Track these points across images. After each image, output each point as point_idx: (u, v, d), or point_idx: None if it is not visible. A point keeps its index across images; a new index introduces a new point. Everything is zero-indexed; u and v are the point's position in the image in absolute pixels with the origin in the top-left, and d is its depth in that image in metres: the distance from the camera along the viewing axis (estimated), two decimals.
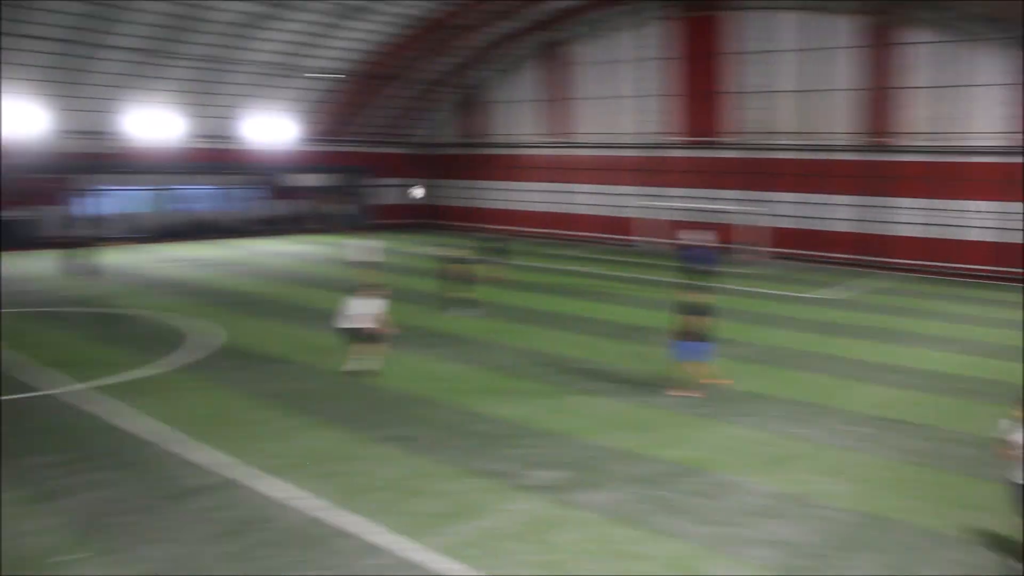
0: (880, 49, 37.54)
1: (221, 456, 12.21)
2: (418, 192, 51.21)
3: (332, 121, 51.96)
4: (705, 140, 43.94)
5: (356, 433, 13.38)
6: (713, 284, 25.48)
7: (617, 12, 45.86)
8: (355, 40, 45.81)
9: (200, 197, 48.94)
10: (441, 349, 19.66)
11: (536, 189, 52.28)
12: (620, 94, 47.31)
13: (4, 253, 36.65)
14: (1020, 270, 33.74)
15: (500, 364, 18.29)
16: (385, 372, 16.98)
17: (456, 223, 55.09)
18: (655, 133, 45.90)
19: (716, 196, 43.11)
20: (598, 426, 13.92)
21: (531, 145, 52.30)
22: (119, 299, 25.98)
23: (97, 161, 42.71)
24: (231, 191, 50.14)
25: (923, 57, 36.58)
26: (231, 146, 48.12)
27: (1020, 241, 34.36)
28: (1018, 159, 34.18)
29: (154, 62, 41.40)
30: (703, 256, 31.88)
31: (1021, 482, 9.00)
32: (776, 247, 40.24)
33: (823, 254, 39.55)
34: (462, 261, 24.35)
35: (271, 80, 46.56)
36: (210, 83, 44.63)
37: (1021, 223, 34.26)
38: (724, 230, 41.41)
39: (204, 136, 46.50)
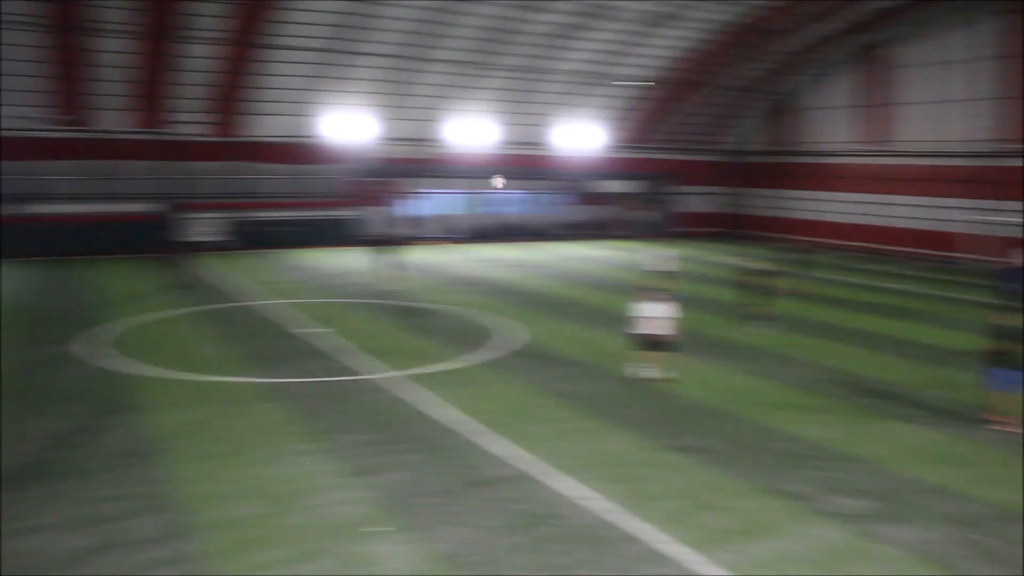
0: None
1: (518, 450, 12.68)
2: (499, 182, 48.88)
3: (638, 128, 52.44)
4: None
5: (648, 440, 13.35)
6: None
7: (946, 9, 42.23)
8: (664, 47, 45.92)
9: (510, 201, 51.36)
10: (737, 361, 19.15)
11: (847, 199, 49.49)
12: (948, 98, 43.54)
13: (331, 248, 40.75)
14: None
15: (799, 381, 17.47)
16: (678, 380, 16.84)
17: (760, 233, 53.53)
18: (989, 140, 41.75)
19: None
20: (907, 455, 12.85)
21: (844, 154, 49.61)
22: (432, 295, 27.90)
23: (418, 166, 46.19)
24: (539, 196, 52.13)
25: None
26: (540, 152, 50.06)
27: None
28: None
29: (472, 73, 44.06)
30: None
31: None
32: None
33: None
34: (763, 272, 23.58)
35: (580, 88, 47.87)
36: (522, 92, 46.72)
37: None
38: None
39: (515, 143, 48.76)
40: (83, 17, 34.34)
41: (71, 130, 38.21)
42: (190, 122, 40.67)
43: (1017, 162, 40.27)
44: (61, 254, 37.03)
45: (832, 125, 50.41)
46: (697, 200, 56.29)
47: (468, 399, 15.41)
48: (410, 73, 42.79)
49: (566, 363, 18.66)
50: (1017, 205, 39.95)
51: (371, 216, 44.75)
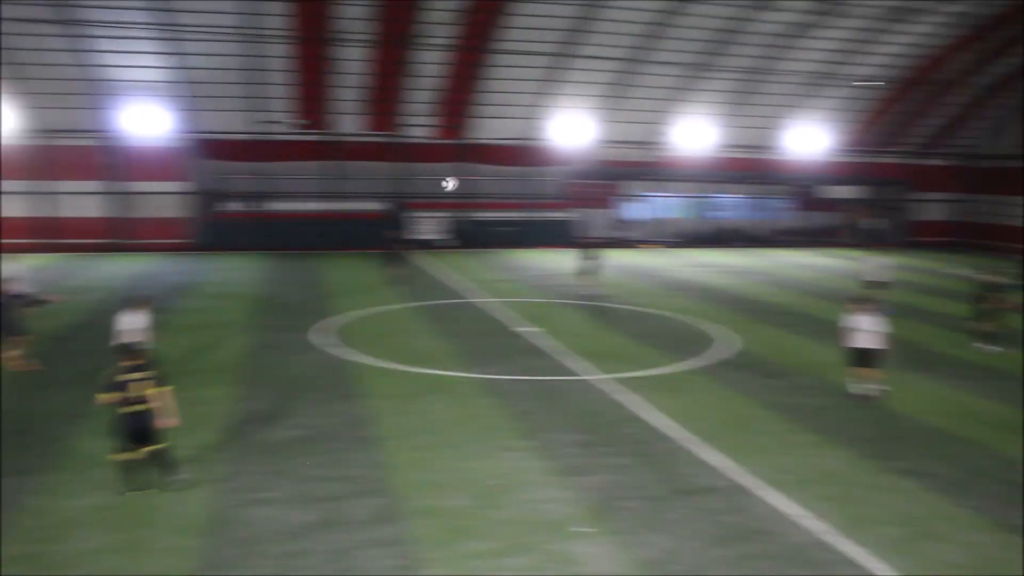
0: None
1: (730, 461, 12.39)
2: (449, 184, 44.53)
3: (871, 130, 49.74)
4: None
5: (868, 459, 12.65)
6: None
7: None
8: (904, 44, 43.30)
9: (731, 206, 50.18)
10: (967, 380, 17.73)
11: None
12: None
13: (549, 249, 41.41)
14: None
15: None
16: (898, 397, 15.85)
17: (999, 244, 49.27)
18: None
19: None
20: None
21: None
22: (647, 299, 27.75)
23: (638, 169, 46.07)
24: (761, 201, 50.61)
25: None
26: (764, 156, 48.57)
27: None
28: None
29: (697, 75, 43.37)
30: None
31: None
32: None
33: None
34: (997, 286, 21.68)
35: (810, 89, 46.01)
36: (748, 94, 45.50)
37: None
38: None
39: (738, 146, 47.56)
40: (326, 28, 36.83)
41: (310, 133, 41.14)
42: (419, 125, 42.64)
43: None
44: (297, 248, 40.04)
45: None
46: (932, 207, 52.67)
47: (680, 406, 15.24)
48: (634, 75, 42.78)
49: (781, 374, 18.03)
50: None
51: (590, 218, 45.11)
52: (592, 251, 28.81)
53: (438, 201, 43.53)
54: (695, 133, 45.60)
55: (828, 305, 26.93)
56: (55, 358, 17.97)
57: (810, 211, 50.92)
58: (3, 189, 38.28)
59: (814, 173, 49.26)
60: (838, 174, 50.14)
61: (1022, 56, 44.73)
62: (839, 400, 15.94)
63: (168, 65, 36.82)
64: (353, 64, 38.80)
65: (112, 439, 10.97)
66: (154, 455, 11.01)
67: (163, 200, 39.92)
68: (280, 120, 40.10)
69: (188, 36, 35.01)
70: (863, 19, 40.77)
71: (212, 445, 12.79)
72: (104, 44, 35.32)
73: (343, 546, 9.55)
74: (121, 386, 10.75)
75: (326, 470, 11.81)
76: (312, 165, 41.71)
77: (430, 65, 39.95)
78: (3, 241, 37.06)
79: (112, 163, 39.16)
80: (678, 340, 21.26)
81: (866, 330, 15.72)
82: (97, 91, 37.25)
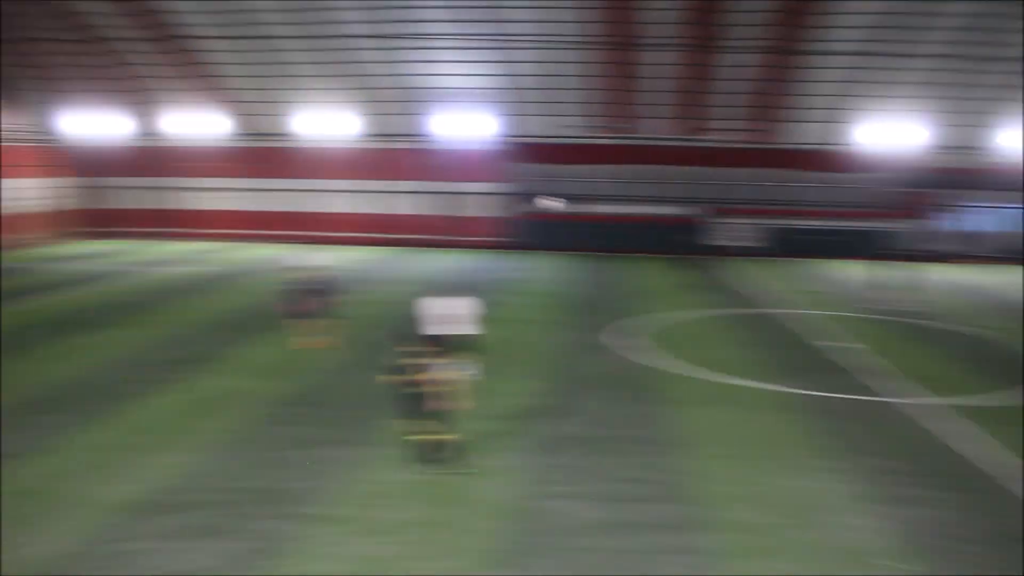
0: None
1: None
2: (550, 204, 40.73)
3: None
4: None
5: None
6: None
7: None
8: None
9: None
10: None
11: None
12: None
13: (865, 260, 38.90)
14: None
15: None
16: None
17: None
18: None
19: None
20: None
21: None
22: (976, 320, 25.34)
23: (967, 176, 42.12)
24: None
25: None
26: None
27: None
28: None
29: None
30: None
31: None
32: None
33: None
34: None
35: None
36: None
37: None
38: None
39: None
40: (634, 34, 37.26)
41: (619, 137, 41.82)
42: (728, 130, 41.92)
43: None
44: (602, 250, 40.99)
45: None
46: None
47: (1008, 439, 13.83)
48: (961, 74, 39.12)
49: None
50: None
51: (913, 229, 41.99)
52: (911, 264, 26.84)
53: (748, 207, 42.53)
54: None
55: None
56: (368, 342, 19.68)
57: None
58: (344, 188, 42.86)
59: None
60: None
61: None
62: None
63: (491, 72, 39.17)
64: (661, 69, 38.93)
65: (409, 419, 11.84)
66: (444, 438, 11.77)
67: (487, 201, 42.59)
68: (597, 124, 41.16)
69: (509, 44, 37.05)
70: None
71: (507, 434, 13.48)
72: (434, 55, 38.30)
73: (632, 547, 9.71)
74: (418, 369, 11.56)
75: (628, 471, 12.04)
76: (619, 169, 42.38)
77: (739, 68, 39.10)
78: (340, 235, 41.77)
79: (438, 165, 42.36)
80: (1004, 365, 19.30)
81: None
82: (426, 98, 40.45)
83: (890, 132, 40.71)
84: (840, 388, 16.80)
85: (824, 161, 42.31)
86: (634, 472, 12.01)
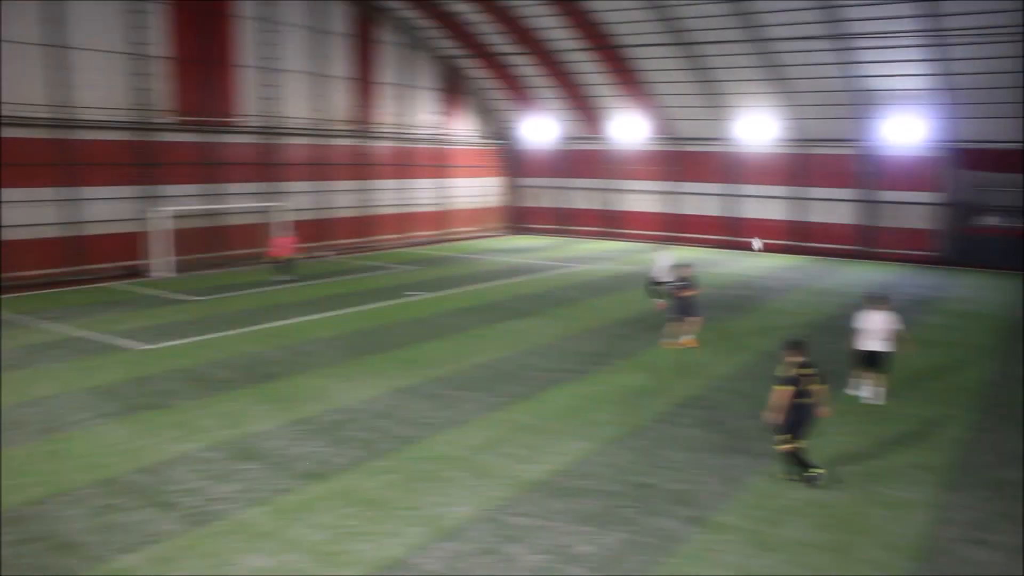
0: None
1: None
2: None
3: None
4: None
5: None
6: None
7: None
8: None
9: None
10: None
11: None
12: None
13: None
14: None
15: None
16: None
17: None
18: None
19: None
20: None
21: None
22: None
23: None
24: None
25: None
26: None
27: None
28: None
29: None
30: None
31: None
32: None
33: None
34: None
35: None
36: None
37: None
38: None
39: None
40: None
41: None
42: None
43: None
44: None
45: None
46: None
47: None
48: None
49: None
50: None
51: None
52: None
53: None
54: None
55: None
56: (764, 351, 18.70)
57: None
58: (759, 194, 42.08)
59: None
60: None
61: None
62: None
63: (929, 72, 35.57)
64: None
65: (780, 429, 11.32)
66: (800, 449, 11.38)
67: (911, 210, 39.05)
68: None
69: (953, 41, 33.32)
70: None
71: (928, 466, 12.15)
72: (866, 55, 35.62)
73: None
74: (795, 380, 11.12)
75: None
76: None
77: None
78: (768, 241, 40.85)
79: (865, 172, 39.58)
80: None
81: None
82: (858, 101, 37.89)
83: None
84: None
85: None
86: None
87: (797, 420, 11.19)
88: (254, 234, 34.89)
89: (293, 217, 35.48)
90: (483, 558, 9.14)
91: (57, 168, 28.72)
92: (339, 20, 38.82)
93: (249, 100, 35.06)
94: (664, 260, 24.20)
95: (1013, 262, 35.94)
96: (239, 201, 34.47)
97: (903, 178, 38.80)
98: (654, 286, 24.34)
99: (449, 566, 8.94)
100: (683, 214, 44.85)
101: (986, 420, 14.56)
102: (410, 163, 43.87)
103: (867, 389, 15.32)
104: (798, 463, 11.39)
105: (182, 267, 31.09)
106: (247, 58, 34.73)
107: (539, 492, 10.94)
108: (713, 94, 40.67)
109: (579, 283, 29.76)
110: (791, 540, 9.69)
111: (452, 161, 46.78)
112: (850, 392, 15.54)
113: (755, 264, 36.21)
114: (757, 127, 40.74)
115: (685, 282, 20.21)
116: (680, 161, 44.53)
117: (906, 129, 37.29)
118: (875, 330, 15.19)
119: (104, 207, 30.15)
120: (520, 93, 46.75)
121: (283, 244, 29.13)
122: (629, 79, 42.06)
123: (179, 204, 31.79)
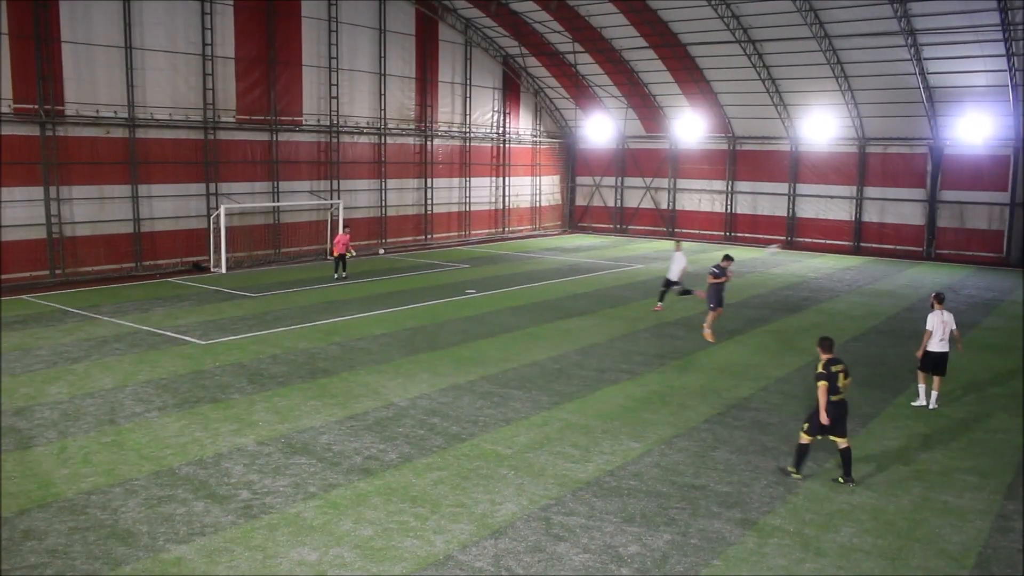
0: None
1: None
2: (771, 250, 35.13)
3: None
4: None
5: None
6: None
7: None
8: None
9: None
10: None
11: None
12: None
13: None
14: None
15: None
16: None
17: None
18: None
19: None
20: None
21: None
22: None
23: None
24: None
25: None
26: None
27: None
28: None
29: None
30: None
31: None
32: None
33: None
34: None
35: None
36: None
37: None
38: None
39: None
40: None
41: None
42: None
43: None
44: None
45: None
46: None
47: None
48: None
49: None
50: None
51: None
52: None
53: None
54: None
55: None
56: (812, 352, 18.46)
57: None
58: (820, 193, 41.35)
59: None
60: None
61: None
62: None
63: (998, 68, 34.56)
64: None
65: (807, 422, 11.48)
66: (842, 449, 11.41)
67: (978, 211, 37.97)
68: None
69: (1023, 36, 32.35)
70: None
71: (986, 473, 11.84)
72: (933, 51, 34.74)
73: None
74: (832, 376, 11.23)
75: None
76: None
77: None
78: (811, 241, 40.14)
79: (931, 171, 38.63)
80: None
81: None
82: (924, 99, 36.97)
83: None
84: None
85: None
86: None
87: (835, 416, 11.23)
88: (313, 232, 35.43)
89: (352, 215, 35.89)
90: (530, 556, 9.14)
91: (124, 166, 29.41)
92: (401, 20, 39.12)
93: (311, 99, 35.48)
94: (680, 261, 23.70)
95: None
96: (299, 199, 34.99)
97: (970, 178, 37.81)
98: (672, 285, 23.76)
99: (496, 564, 8.95)
100: (742, 213, 44.33)
101: None
102: (469, 161, 44.07)
103: (933, 397, 14.89)
104: (844, 462, 11.40)
105: (242, 263, 31.70)
106: (310, 57, 35.16)
107: (587, 492, 10.91)
108: (775, 92, 40.06)
109: (634, 283, 29.57)
110: (842, 545, 9.52)
111: (511, 160, 46.85)
112: (916, 404, 15.09)
113: (814, 265, 35.62)
114: (820, 126, 40.00)
115: (718, 271, 20.25)
116: (740, 160, 43.99)
117: (974, 127, 36.29)
118: (940, 331, 14.78)
119: (167, 204, 30.80)
120: (580, 91, 46.61)
121: (340, 241, 29.50)
122: (690, 77, 41.62)
123: (241, 201, 32.37)
